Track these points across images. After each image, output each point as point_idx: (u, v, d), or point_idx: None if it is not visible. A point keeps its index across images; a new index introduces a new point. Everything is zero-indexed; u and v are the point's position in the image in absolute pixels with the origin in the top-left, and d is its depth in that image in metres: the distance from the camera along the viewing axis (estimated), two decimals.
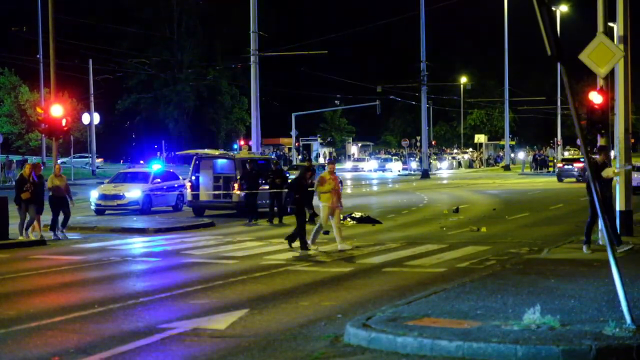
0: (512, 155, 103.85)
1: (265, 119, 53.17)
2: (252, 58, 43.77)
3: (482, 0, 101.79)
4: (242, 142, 71.44)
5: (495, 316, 10.43)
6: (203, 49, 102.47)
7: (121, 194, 31.24)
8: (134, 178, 32.74)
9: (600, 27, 19.09)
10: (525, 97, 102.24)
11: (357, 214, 28.13)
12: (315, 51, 56.88)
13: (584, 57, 16.62)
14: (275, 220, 27.76)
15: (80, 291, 14.16)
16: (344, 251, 19.21)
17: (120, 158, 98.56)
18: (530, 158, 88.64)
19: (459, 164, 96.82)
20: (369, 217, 27.90)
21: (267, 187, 28.70)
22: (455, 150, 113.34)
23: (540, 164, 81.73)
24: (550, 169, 79.29)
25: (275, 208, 27.98)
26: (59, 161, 27.76)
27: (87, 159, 76.70)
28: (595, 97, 17.77)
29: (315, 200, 20.38)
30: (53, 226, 23.31)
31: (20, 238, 22.14)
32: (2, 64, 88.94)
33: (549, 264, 15.75)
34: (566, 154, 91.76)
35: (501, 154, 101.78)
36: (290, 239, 19.81)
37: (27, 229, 22.47)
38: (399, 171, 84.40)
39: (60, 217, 23.49)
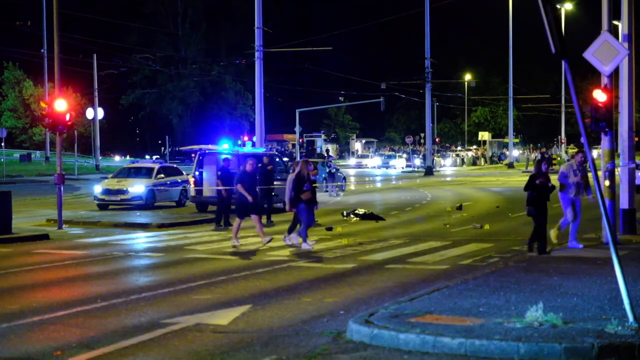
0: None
1: (269, 114, 53.11)
2: (256, 54, 43.62)
3: None
4: (245, 138, 71.37)
5: (498, 313, 10.43)
6: (207, 45, 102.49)
7: (124, 189, 31.24)
8: (137, 173, 32.73)
9: (604, 25, 19.04)
10: (529, 95, 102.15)
11: (361, 211, 28.19)
12: (319, 47, 56.82)
13: (589, 55, 16.61)
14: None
15: (83, 286, 14.18)
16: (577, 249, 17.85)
17: (124, 153, 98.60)
18: (533, 156, 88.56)
19: (463, 161, 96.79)
20: (372, 213, 27.91)
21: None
22: (459, 148, 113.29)
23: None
24: (555, 167, 79.09)
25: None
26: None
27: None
28: (600, 95, 17.72)
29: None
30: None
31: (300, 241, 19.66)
32: (7, 59, 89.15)
33: (552, 261, 15.76)
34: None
35: (505, 151, 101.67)
36: (532, 241, 17.72)
37: (291, 233, 20.34)
38: (403, 168, 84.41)
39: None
